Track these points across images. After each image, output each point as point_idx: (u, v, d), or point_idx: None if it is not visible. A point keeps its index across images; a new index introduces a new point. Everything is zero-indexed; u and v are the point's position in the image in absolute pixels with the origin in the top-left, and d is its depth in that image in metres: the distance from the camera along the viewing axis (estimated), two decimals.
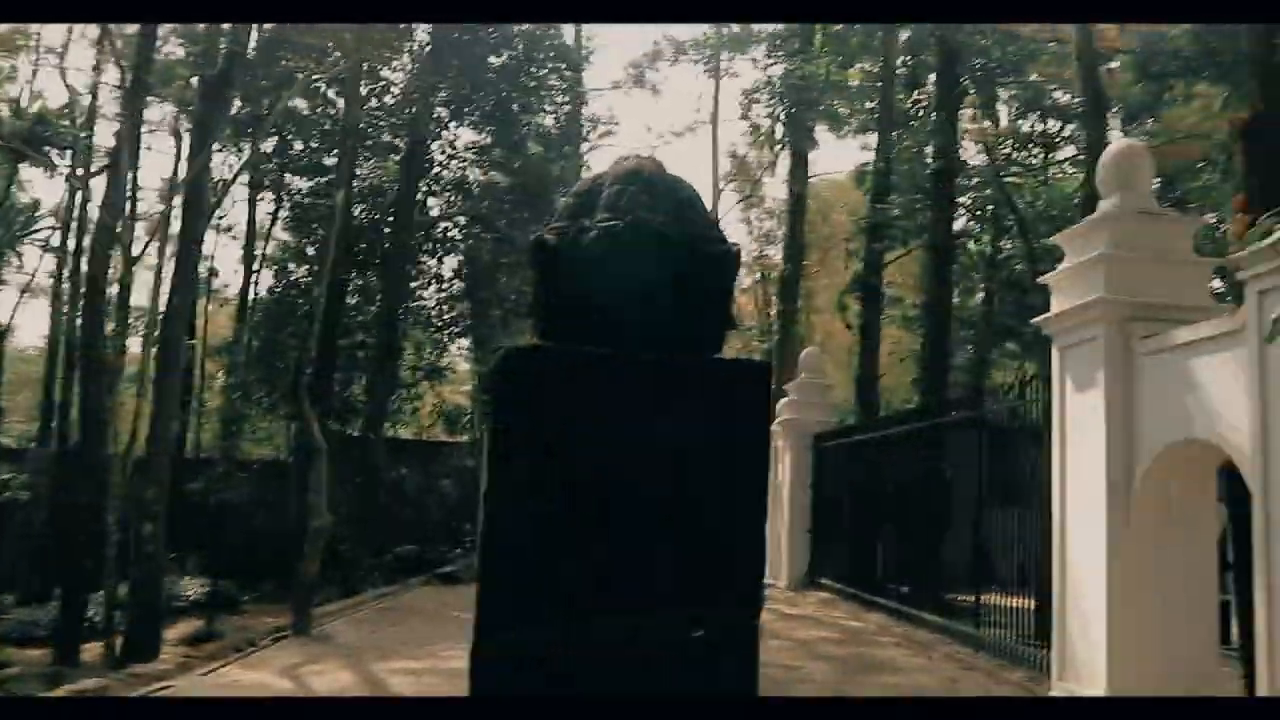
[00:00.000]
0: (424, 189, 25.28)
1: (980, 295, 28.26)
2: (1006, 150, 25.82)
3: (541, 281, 3.17)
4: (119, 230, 14.51)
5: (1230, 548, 9.27)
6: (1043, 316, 9.56)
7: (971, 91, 20.29)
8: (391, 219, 24.66)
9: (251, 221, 30.78)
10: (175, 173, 28.08)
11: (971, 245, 28.97)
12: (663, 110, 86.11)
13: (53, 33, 30.93)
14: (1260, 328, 6.34)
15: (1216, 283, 15.11)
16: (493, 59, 25.32)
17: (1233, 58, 15.05)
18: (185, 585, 19.64)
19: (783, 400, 20.15)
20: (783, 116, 28.31)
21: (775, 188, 45.73)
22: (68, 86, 26.15)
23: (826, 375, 22.08)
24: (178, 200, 14.93)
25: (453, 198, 26.84)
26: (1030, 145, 28.42)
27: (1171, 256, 8.77)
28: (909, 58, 25.28)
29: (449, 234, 26.75)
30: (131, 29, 18.18)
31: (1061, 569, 8.87)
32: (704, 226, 3.22)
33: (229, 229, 34.69)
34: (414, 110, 24.05)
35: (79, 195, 24.64)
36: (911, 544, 15.09)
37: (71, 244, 29.31)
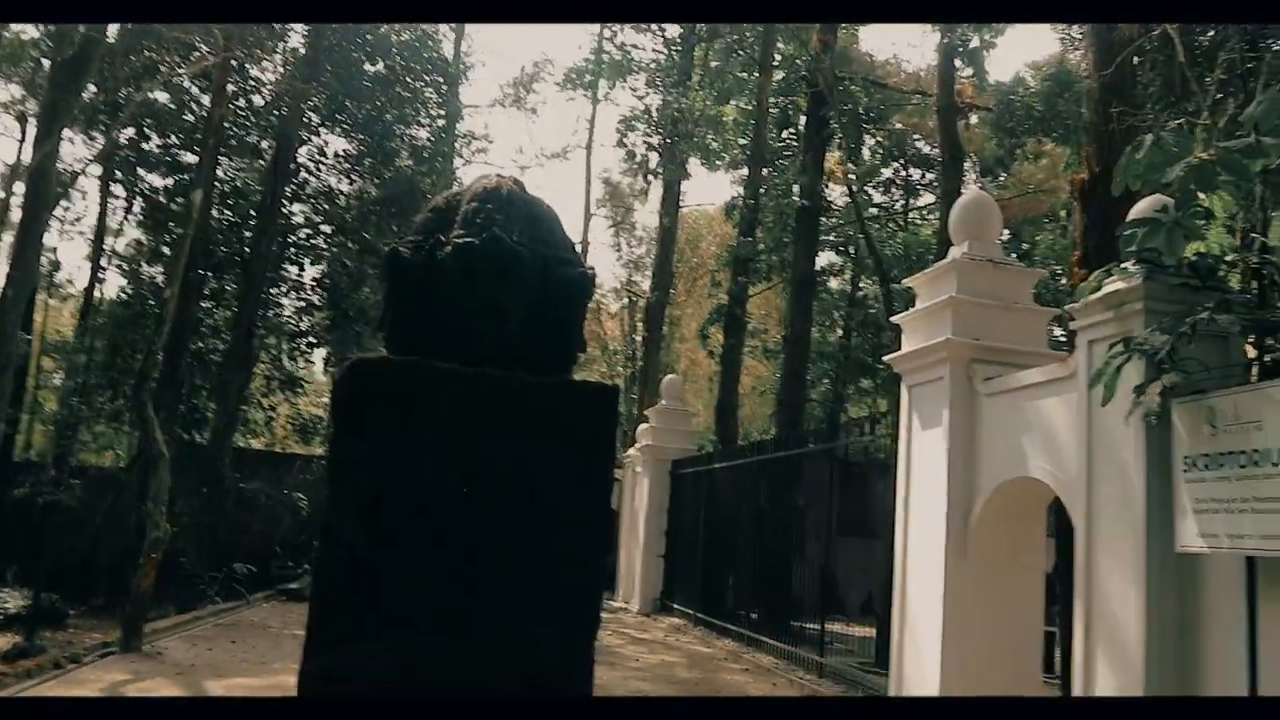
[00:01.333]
0: (289, 194, 24.59)
1: (839, 331, 29.12)
2: (868, 193, 26.78)
3: (393, 294, 3.12)
4: None
5: (1058, 581, 9.75)
6: (893, 354, 9.92)
7: (839, 135, 20.96)
8: (253, 223, 23.89)
9: (102, 216, 29.33)
10: (19, 158, 26.63)
11: (833, 283, 29.90)
12: (538, 131, 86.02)
13: None
14: (1088, 374, 6.72)
15: (1058, 331, 15.98)
16: (369, 66, 24.90)
17: (1077, 120, 15.99)
18: (3, 597, 18.44)
19: (642, 426, 20.27)
20: (658, 146, 28.66)
21: (647, 216, 46.22)
22: None
23: (687, 403, 22.35)
24: (19, 188, 14.10)
25: (319, 205, 26.20)
26: (892, 189, 29.58)
27: (1014, 304, 9.23)
28: (782, 98, 25.99)
29: (313, 242, 26.07)
30: None
31: (902, 598, 9.17)
32: (561, 247, 3.23)
33: (77, 220, 33.09)
34: (283, 112, 23.41)
35: None
36: (763, 572, 15.37)
37: None
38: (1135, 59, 10.61)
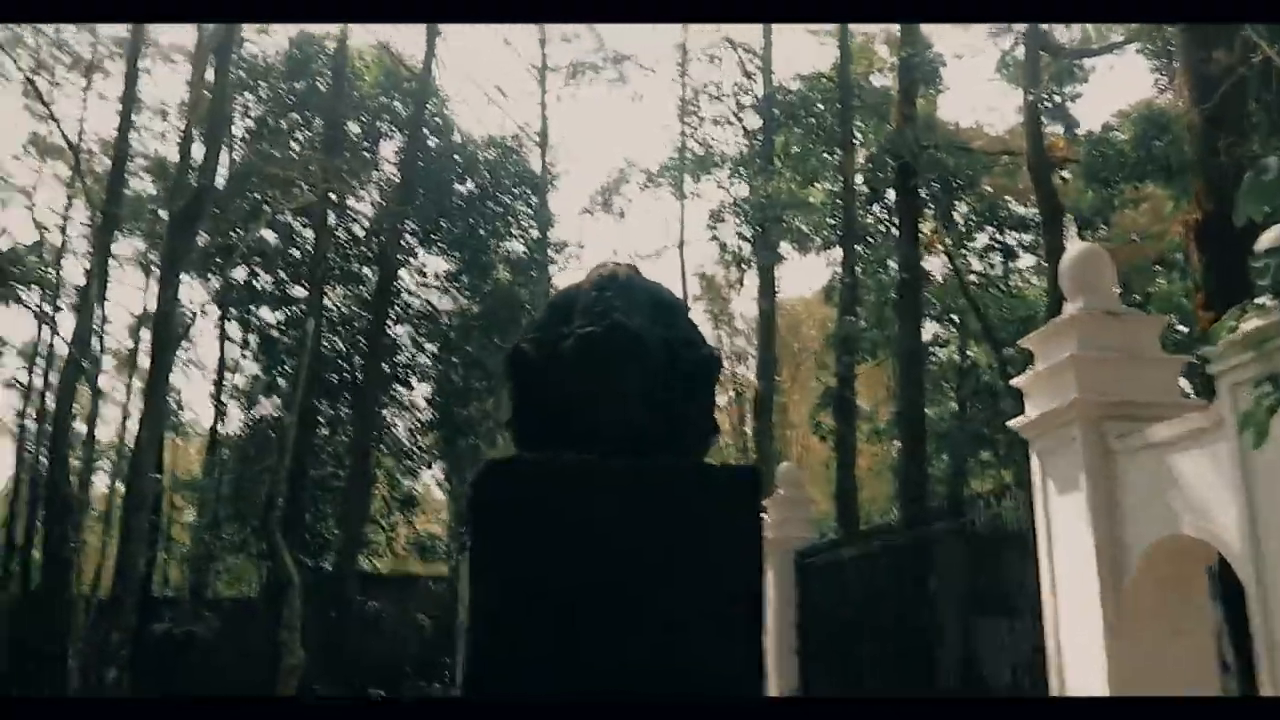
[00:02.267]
0: (393, 317, 25.34)
1: (953, 405, 28.41)
2: (966, 260, 26.38)
3: (519, 391, 3.09)
4: (86, 365, 14.38)
5: (1228, 647, 9.09)
6: (1018, 420, 9.55)
7: (930, 204, 20.80)
8: (361, 348, 24.62)
9: (221, 354, 30.61)
10: (144, 307, 28.11)
11: (940, 354, 29.31)
12: (629, 233, 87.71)
13: (24, 173, 31.28)
14: (1235, 419, 6.34)
15: (1183, 382, 15.27)
16: (459, 186, 25.74)
17: (1176, 161, 15.56)
18: None
19: (762, 518, 19.90)
20: (748, 234, 28.80)
21: (745, 305, 46.30)
22: (36, 224, 26.27)
23: (804, 490, 21.91)
24: (146, 334, 14.85)
25: (422, 325, 26.91)
26: (989, 255, 29.08)
27: (1140, 355, 8.83)
28: (868, 172, 25.95)
29: (419, 361, 26.72)
30: (101, 167, 18.34)
31: (1059, 676, 8.65)
32: (684, 330, 3.17)
33: (195, 363, 34.48)
34: (382, 239, 24.28)
35: (46, 331, 24.49)
36: (900, 659, 14.74)
37: (39, 381, 29.02)
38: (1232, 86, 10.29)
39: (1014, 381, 10.14)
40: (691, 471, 2.97)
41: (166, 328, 13.01)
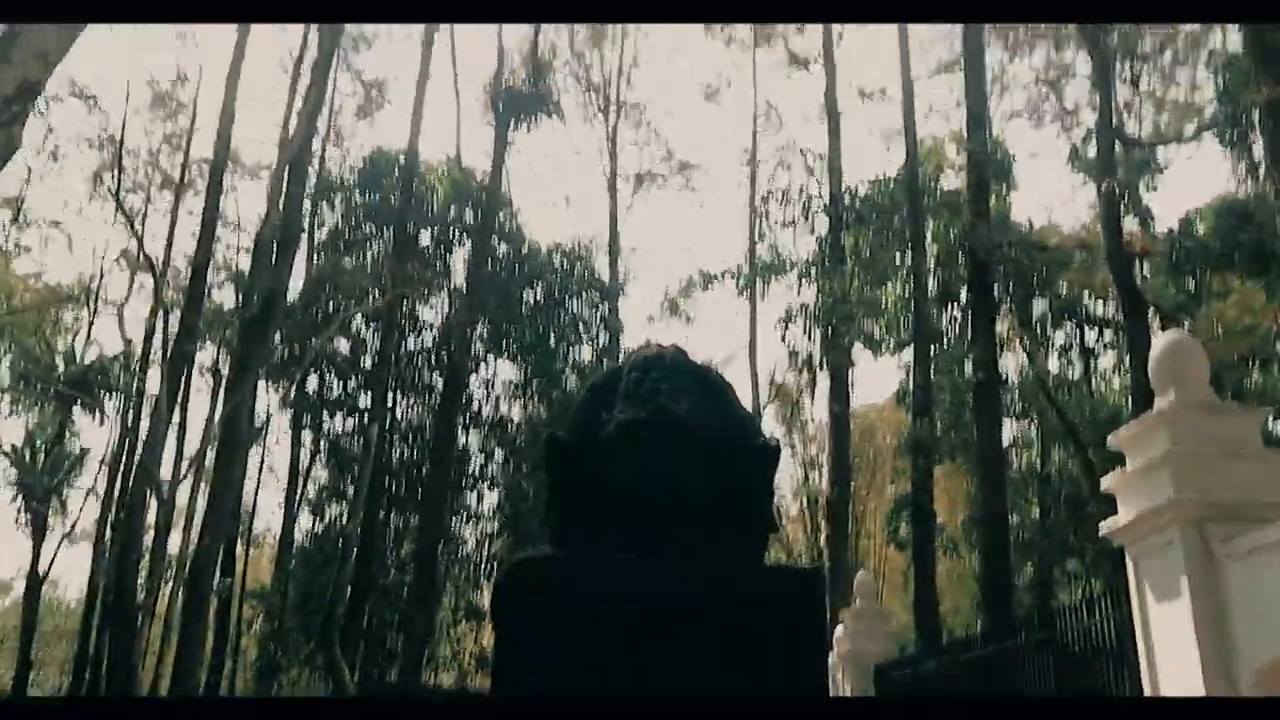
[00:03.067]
0: (463, 425, 25.34)
1: (1035, 511, 27.31)
2: (1045, 358, 25.66)
3: (556, 483, 2.79)
4: (154, 473, 14.46)
5: None
6: (1110, 524, 8.95)
7: (1007, 301, 20.27)
8: (429, 457, 24.59)
9: (294, 461, 30.86)
10: (212, 413, 28.60)
11: (1021, 458, 28.34)
12: (699, 338, 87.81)
13: (116, 287, 32.40)
14: None
15: None
16: (528, 293, 25.92)
17: (1266, 250, 14.96)
18: None
19: (839, 631, 19.07)
20: (818, 338, 28.43)
21: (817, 411, 45.61)
22: (123, 336, 27.02)
23: (882, 601, 21.05)
24: (216, 440, 15.04)
25: (491, 433, 26.85)
26: (1069, 354, 28.28)
27: (1241, 451, 8.24)
28: (940, 272, 25.54)
29: (487, 470, 26.58)
30: (185, 279, 18.73)
31: None
32: (737, 416, 2.85)
33: (271, 468, 34.80)
34: (451, 347, 24.45)
35: (127, 440, 24.93)
36: None
37: (118, 489, 29.46)
38: None
39: (1104, 482, 9.55)
40: (747, 574, 2.61)
41: (233, 432, 13.05)
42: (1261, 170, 16.26)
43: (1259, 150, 16.00)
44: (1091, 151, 20.55)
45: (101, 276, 31.43)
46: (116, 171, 20.41)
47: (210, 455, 14.36)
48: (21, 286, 30.14)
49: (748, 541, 2.72)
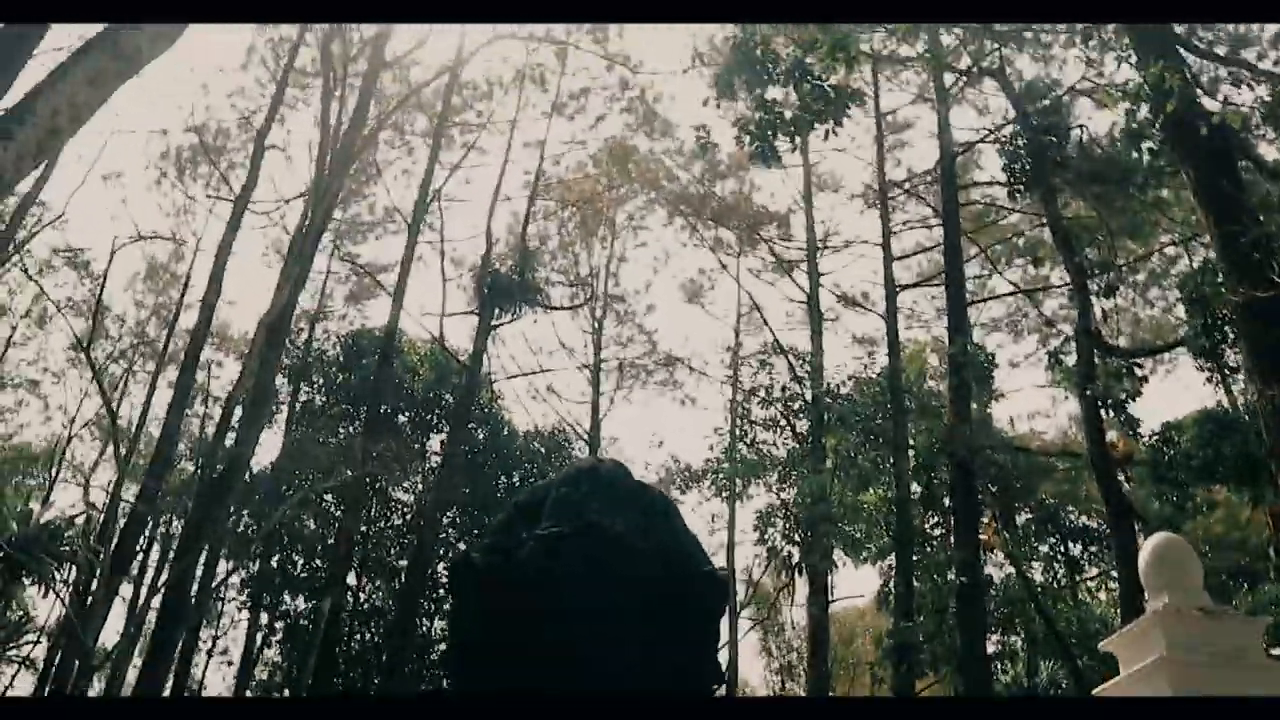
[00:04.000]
0: (427, 611, 24.32)
1: None
2: (1030, 569, 25.02)
3: (461, 616, 2.36)
4: (89, 645, 13.59)
5: None
6: None
7: (990, 504, 19.86)
8: (391, 643, 23.47)
9: (249, 642, 29.40)
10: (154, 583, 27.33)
11: (1006, 672, 27.26)
12: None
13: (83, 450, 31.75)
14: None
15: None
16: (504, 479, 25.45)
17: (1248, 462, 14.74)
18: None
19: None
20: (798, 538, 27.77)
21: (795, 615, 44.29)
22: (86, 501, 26.20)
23: None
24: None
25: None
26: (1053, 565, 27.68)
27: (1244, 660, 7.71)
28: (922, 474, 25.21)
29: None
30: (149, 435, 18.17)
31: None
32: (679, 540, 2.46)
33: (224, 652, 33.12)
34: (421, 530, 23.75)
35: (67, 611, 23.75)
36: None
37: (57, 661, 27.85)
38: None
39: (1097, 691, 8.97)
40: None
41: (178, 601, 12.31)
42: (1241, 377, 16.27)
43: (1234, 357, 16.08)
44: (1071, 360, 20.68)
45: (69, 440, 30.90)
46: (89, 340, 20.26)
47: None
48: None
49: (691, 683, 2.27)
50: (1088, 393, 15.41)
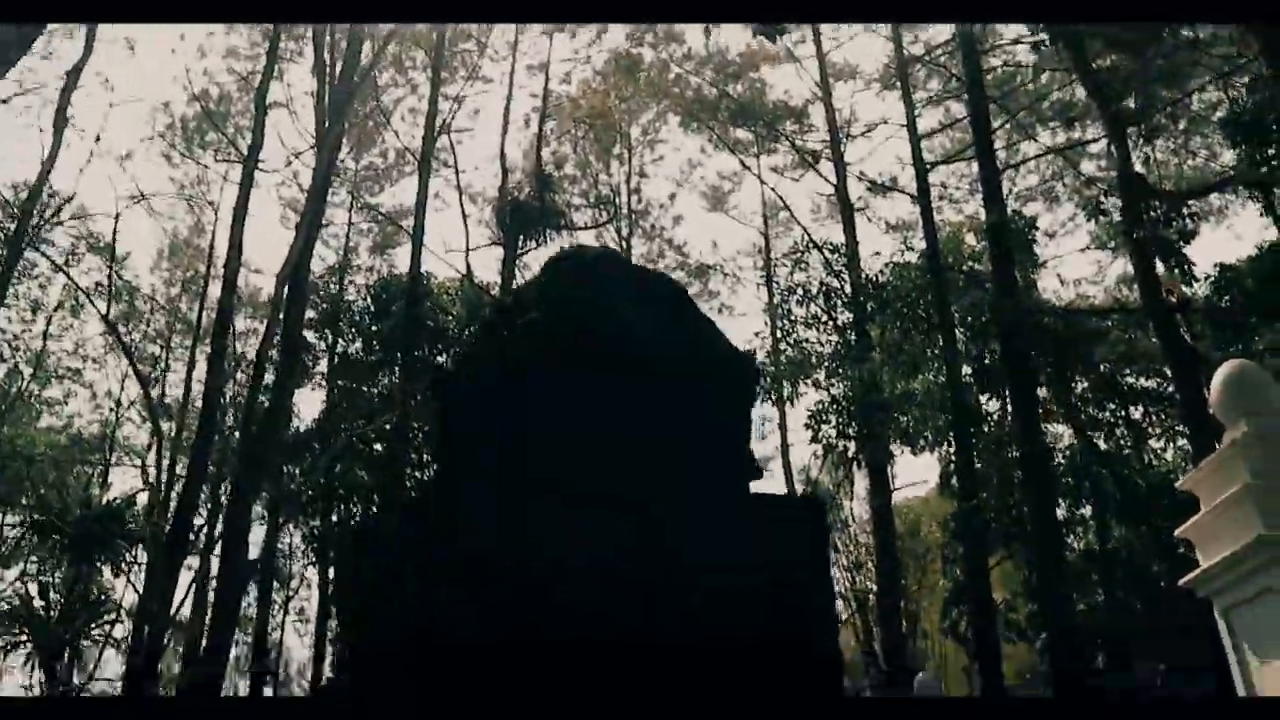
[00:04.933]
0: None
1: (1099, 594, 25.68)
2: (1093, 437, 24.48)
3: (440, 428, 2.00)
4: (162, 615, 13.67)
5: None
6: (1192, 576, 7.93)
7: (1042, 376, 19.31)
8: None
9: (323, 597, 29.84)
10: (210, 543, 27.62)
11: (1080, 538, 26.87)
12: None
13: (138, 433, 32.14)
14: None
15: None
16: None
17: None
18: None
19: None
20: (852, 432, 27.39)
21: (857, 510, 44.10)
22: (146, 483, 26.57)
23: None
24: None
25: None
26: (1116, 432, 27.06)
27: None
28: (972, 351, 24.64)
29: None
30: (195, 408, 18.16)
31: None
32: (693, 328, 2.07)
33: (300, 611, 33.68)
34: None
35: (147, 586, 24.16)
36: None
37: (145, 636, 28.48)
38: None
39: (1179, 531, 8.59)
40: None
41: (237, 562, 12.24)
42: None
43: None
44: (1115, 215, 19.90)
45: (118, 422, 31.27)
46: (109, 314, 20.15)
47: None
48: (43, 440, 29.96)
49: (722, 482, 1.90)
50: (1136, 237, 14.71)
